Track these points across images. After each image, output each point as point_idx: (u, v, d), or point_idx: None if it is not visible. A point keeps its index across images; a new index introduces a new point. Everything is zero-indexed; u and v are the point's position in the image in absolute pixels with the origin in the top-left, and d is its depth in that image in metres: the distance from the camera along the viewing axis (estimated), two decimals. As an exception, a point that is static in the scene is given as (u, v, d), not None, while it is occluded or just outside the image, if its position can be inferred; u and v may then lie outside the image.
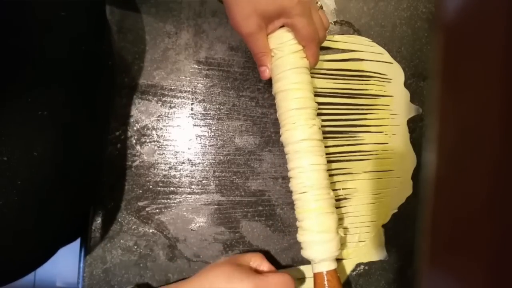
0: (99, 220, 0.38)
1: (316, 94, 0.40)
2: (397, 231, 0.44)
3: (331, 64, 0.43)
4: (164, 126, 0.40)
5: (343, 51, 0.44)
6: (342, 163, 0.42)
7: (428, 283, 0.16)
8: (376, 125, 0.43)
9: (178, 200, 0.40)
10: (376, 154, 0.43)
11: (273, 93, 0.37)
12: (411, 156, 0.44)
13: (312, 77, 0.38)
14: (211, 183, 0.40)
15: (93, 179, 0.38)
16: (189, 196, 0.40)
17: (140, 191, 0.39)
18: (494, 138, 0.15)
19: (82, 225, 0.39)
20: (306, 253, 0.35)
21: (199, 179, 0.40)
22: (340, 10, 0.44)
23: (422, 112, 0.45)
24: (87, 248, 0.38)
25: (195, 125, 0.41)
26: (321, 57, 0.41)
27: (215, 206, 0.40)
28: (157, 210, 0.39)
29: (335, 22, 0.44)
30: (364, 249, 0.42)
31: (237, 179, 0.41)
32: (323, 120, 0.41)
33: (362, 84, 0.43)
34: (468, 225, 0.16)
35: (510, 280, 0.14)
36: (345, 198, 0.42)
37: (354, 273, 0.43)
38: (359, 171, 0.42)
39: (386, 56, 0.44)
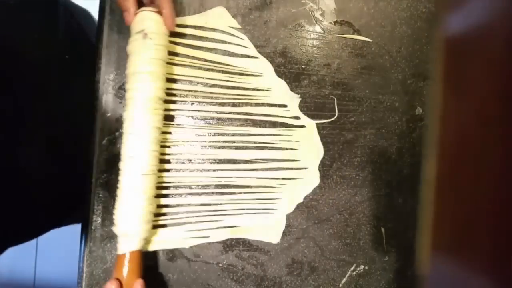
0: (99, 220, 0.38)
1: (199, 83, 0.41)
2: (397, 231, 0.44)
3: (204, 54, 0.41)
4: (164, 126, 0.40)
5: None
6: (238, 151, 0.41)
7: (429, 283, 0.16)
8: (267, 115, 0.42)
9: (178, 200, 0.40)
10: (276, 144, 0.42)
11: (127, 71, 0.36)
12: (317, 148, 0.43)
13: (187, 65, 0.40)
14: (211, 183, 0.40)
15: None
16: (189, 196, 0.40)
17: (140, 191, 0.39)
18: (495, 139, 0.15)
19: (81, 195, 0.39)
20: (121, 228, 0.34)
21: (199, 179, 0.40)
22: (340, 10, 0.44)
23: (422, 112, 0.45)
24: (87, 248, 0.38)
25: (195, 125, 0.41)
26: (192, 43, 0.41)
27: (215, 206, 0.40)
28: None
29: (335, 22, 0.44)
30: (258, 228, 0.41)
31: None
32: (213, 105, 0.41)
33: (236, 78, 0.42)
34: (468, 225, 0.16)
35: (511, 279, 0.14)
36: (237, 186, 0.41)
37: (354, 273, 0.43)
38: (254, 161, 0.42)
39: (253, 51, 0.42)
